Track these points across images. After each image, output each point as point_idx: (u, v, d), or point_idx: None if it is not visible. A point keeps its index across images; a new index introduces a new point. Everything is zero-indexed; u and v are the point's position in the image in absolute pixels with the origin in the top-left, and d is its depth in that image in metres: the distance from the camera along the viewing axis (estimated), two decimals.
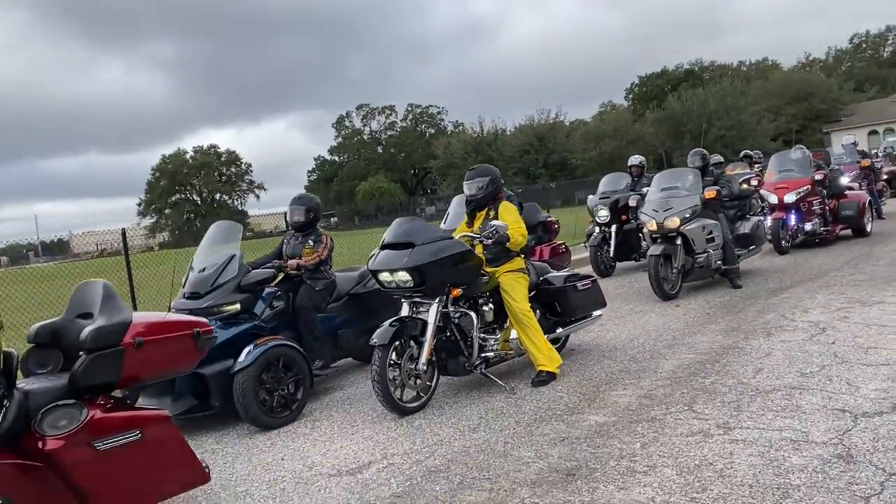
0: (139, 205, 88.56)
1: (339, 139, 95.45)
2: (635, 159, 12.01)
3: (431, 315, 5.08)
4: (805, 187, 10.95)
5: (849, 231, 11.96)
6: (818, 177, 11.20)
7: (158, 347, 3.38)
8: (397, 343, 4.93)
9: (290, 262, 5.97)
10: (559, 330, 5.96)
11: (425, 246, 5.03)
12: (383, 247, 5.21)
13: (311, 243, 6.16)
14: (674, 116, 55.99)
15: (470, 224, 5.72)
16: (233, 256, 5.55)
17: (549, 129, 62.46)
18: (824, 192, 11.53)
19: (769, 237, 10.59)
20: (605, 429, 4.24)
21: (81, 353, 3.18)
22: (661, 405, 4.57)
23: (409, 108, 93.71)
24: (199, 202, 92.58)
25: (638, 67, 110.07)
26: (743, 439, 3.83)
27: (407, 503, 3.57)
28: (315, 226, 6.34)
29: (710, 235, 8.54)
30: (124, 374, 3.26)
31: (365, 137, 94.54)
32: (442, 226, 8.34)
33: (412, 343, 5.04)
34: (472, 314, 5.29)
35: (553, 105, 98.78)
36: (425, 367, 5.00)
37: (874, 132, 54.15)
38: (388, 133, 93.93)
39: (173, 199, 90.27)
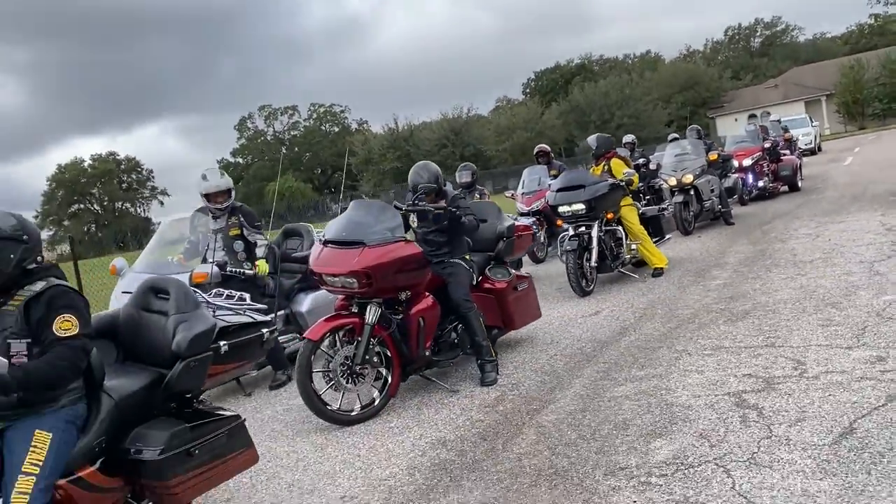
0: (36, 217, 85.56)
1: (243, 141, 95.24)
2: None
3: (594, 230, 7.85)
4: (758, 153, 14.37)
5: (786, 188, 15.50)
6: (767, 145, 14.65)
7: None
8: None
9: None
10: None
11: (592, 186, 7.79)
12: (560, 190, 7.91)
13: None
14: (578, 108, 60.52)
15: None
16: None
17: (464, 124, 66.05)
18: (768, 157, 14.99)
19: (735, 194, 13.83)
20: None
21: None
22: (745, 281, 7.51)
23: (313, 108, 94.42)
24: (101, 211, 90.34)
25: (519, 62, 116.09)
26: (810, 276, 6.80)
27: None
28: None
29: (712, 187, 11.68)
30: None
31: (269, 138, 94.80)
32: (520, 190, 11.25)
33: None
34: (620, 228, 8.11)
35: (440, 100, 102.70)
36: (596, 264, 7.78)
37: (753, 115, 60.20)
38: (293, 133, 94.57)
39: (73, 209, 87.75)
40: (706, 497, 3.04)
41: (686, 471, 3.31)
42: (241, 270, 5.77)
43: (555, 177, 9.63)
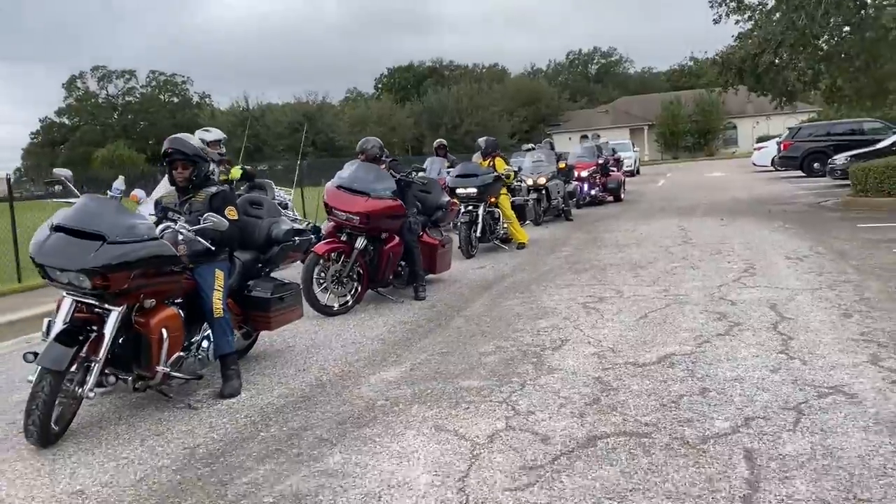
0: None
1: (71, 101, 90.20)
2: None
3: (481, 209, 10.50)
4: (593, 167, 17.80)
5: (612, 198, 19.11)
6: (600, 161, 18.14)
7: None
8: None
9: None
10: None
11: (482, 176, 10.44)
12: (458, 176, 10.47)
13: None
14: (431, 109, 63.77)
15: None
16: None
17: (317, 110, 67.33)
18: (600, 171, 18.52)
19: (574, 197, 17.15)
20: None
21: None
22: (567, 274, 10.48)
23: (151, 75, 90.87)
24: None
25: (363, 55, 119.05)
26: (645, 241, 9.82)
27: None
28: None
29: (559, 189, 14.78)
30: None
31: (100, 101, 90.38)
32: None
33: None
34: (497, 210, 10.83)
35: (280, 83, 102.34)
36: (479, 235, 10.43)
37: (585, 136, 66.35)
38: (126, 99, 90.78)
39: None
40: (569, 336, 5.67)
41: (557, 331, 5.94)
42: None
43: (450, 166, 12.20)
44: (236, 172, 7.93)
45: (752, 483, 3.10)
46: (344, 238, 7.18)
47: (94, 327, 4.16)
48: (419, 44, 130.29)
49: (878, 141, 19.14)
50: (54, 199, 4.62)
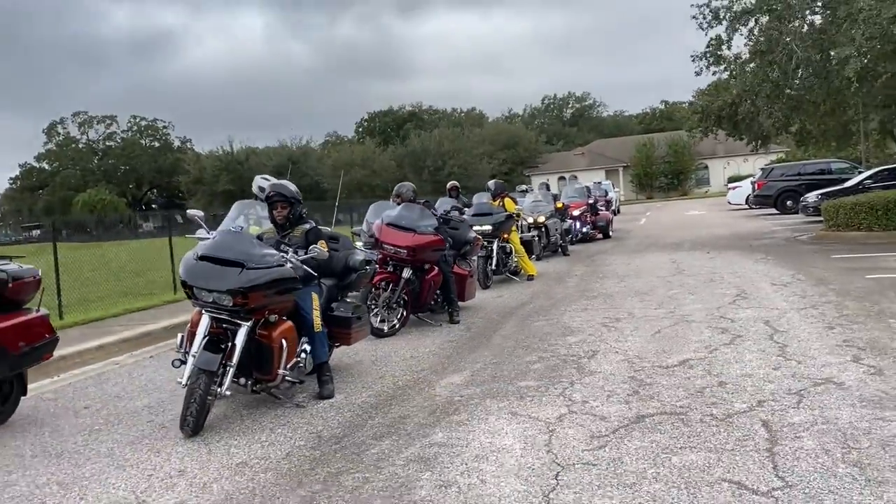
0: None
1: (51, 146, 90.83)
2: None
3: (495, 245, 11.56)
4: (584, 206, 19.04)
5: (601, 235, 20.33)
6: (591, 201, 19.39)
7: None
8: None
9: None
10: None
11: (495, 215, 11.53)
12: (474, 215, 11.55)
13: None
14: (414, 152, 65.32)
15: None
16: None
17: (302, 154, 68.58)
18: (590, 211, 19.76)
19: (569, 234, 18.32)
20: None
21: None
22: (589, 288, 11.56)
23: (133, 120, 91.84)
24: None
25: (338, 100, 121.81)
26: (643, 272, 10.91)
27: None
28: None
29: (556, 227, 15.94)
30: None
31: (81, 146, 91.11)
32: None
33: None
34: (508, 245, 11.89)
35: (260, 127, 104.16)
36: (494, 268, 11.47)
37: (562, 178, 68.10)
38: (107, 143, 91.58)
39: None
40: (598, 348, 6.68)
41: (587, 344, 6.95)
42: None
43: (462, 206, 13.28)
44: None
45: (772, 440, 4.11)
46: (390, 269, 8.17)
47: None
48: (393, 89, 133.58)
49: (846, 180, 20.65)
50: (188, 236, 5.51)
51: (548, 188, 18.19)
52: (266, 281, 5.04)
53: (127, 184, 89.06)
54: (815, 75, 14.33)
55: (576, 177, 67.71)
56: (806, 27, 14.40)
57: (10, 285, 5.34)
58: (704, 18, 14.94)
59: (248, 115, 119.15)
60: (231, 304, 4.94)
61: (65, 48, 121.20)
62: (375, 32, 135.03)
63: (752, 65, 15.85)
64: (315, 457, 4.42)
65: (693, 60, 15.85)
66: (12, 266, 5.53)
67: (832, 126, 17.51)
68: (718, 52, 15.25)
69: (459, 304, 9.25)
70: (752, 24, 14.86)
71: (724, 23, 14.85)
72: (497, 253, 11.68)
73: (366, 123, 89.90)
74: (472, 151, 64.79)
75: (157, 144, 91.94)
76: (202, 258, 5.06)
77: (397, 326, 8.17)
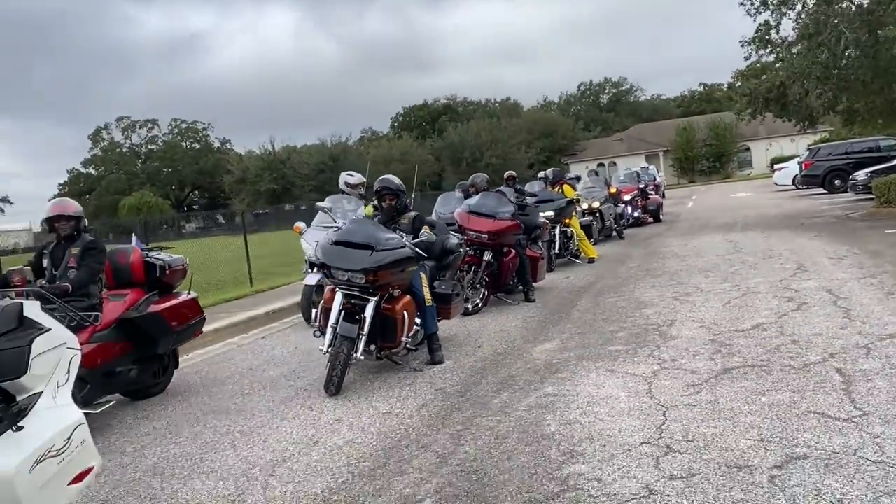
0: None
1: (97, 151, 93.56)
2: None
3: (557, 230, 12.23)
4: (635, 191, 19.57)
5: (651, 219, 20.84)
6: (641, 185, 19.91)
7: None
8: None
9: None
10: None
11: (557, 202, 12.19)
12: (537, 202, 12.24)
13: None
14: (452, 145, 66.06)
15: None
16: None
17: (341, 151, 69.78)
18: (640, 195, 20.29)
19: (622, 219, 18.89)
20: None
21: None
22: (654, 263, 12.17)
23: (174, 123, 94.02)
24: None
25: (371, 96, 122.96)
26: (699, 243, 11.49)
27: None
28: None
29: (610, 212, 16.54)
30: None
31: (125, 151, 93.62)
32: None
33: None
34: (569, 229, 12.56)
35: (295, 126, 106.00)
36: (557, 251, 12.14)
37: (601, 164, 68.22)
38: (150, 147, 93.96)
39: None
40: (675, 318, 7.33)
41: (663, 315, 7.60)
42: None
43: (527, 193, 13.99)
44: (369, 210, 9.69)
45: (847, 382, 4.76)
46: (472, 252, 8.92)
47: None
48: (424, 83, 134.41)
49: (895, 157, 20.82)
50: (321, 225, 6.35)
51: (597, 174, 18.75)
52: (391, 261, 5.83)
53: (170, 185, 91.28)
54: (864, 55, 14.68)
55: (615, 163, 67.97)
56: (854, 8, 14.75)
57: (168, 272, 6.21)
58: (752, 4, 15.38)
59: (282, 114, 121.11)
60: (363, 281, 5.74)
61: (99, 55, 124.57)
62: (403, 26, 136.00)
63: (798, 47, 16.23)
64: (447, 406, 5.19)
65: (742, 46, 16.29)
66: (165, 255, 6.40)
67: (879, 104, 17.73)
68: (767, 37, 15.67)
69: (533, 284, 9.97)
70: (798, 7, 15.27)
71: (771, 7, 15.26)
72: (559, 237, 12.35)
73: (401, 118, 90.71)
74: (509, 141, 65.23)
75: (197, 146, 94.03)
76: (337, 243, 5.86)
77: (480, 305, 8.92)
